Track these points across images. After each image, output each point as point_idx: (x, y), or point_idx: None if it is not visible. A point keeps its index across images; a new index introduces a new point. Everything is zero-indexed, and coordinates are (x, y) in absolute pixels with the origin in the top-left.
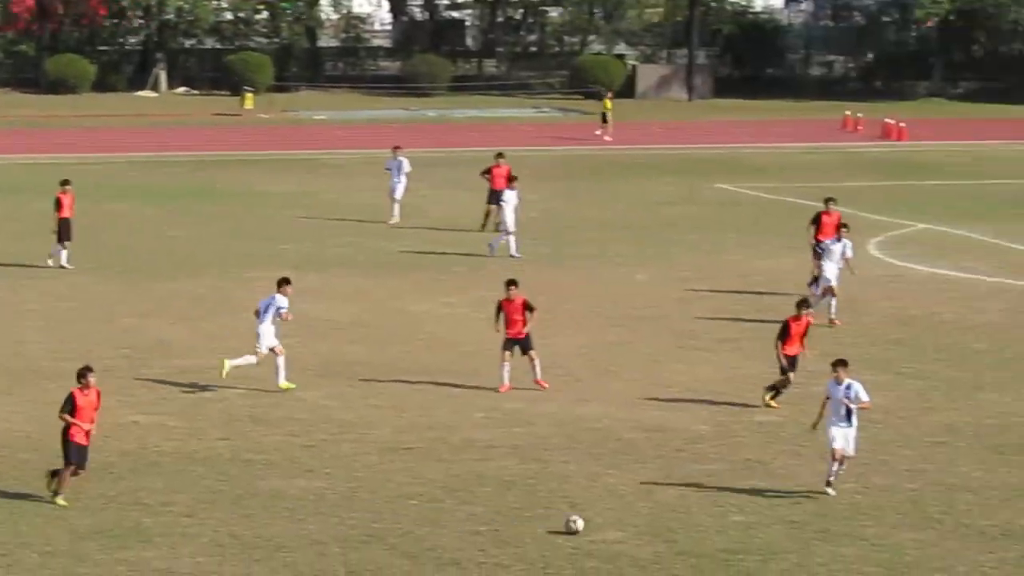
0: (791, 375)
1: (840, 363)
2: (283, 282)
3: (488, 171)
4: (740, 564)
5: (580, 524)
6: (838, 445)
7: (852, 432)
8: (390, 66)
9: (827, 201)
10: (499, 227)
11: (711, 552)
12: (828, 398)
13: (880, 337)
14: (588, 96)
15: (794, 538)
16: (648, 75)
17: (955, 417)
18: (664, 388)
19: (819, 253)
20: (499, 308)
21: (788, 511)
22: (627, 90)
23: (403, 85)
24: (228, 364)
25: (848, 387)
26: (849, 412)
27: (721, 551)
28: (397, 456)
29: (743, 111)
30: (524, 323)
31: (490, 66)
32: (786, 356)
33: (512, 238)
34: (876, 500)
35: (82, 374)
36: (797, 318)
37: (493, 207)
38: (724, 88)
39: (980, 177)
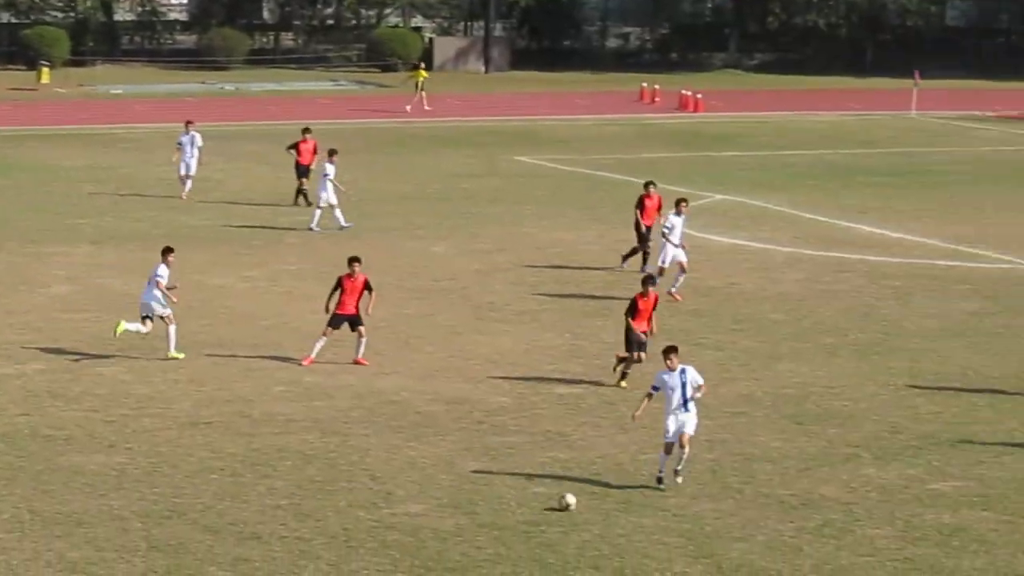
0: (641, 354)
1: (671, 350)
2: (166, 251)
3: (295, 146)
4: (542, 535)
5: (571, 501)
6: (672, 439)
7: (692, 418)
8: (187, 39)
9: (647, 185)
10: (318, 201)
11: (512, 524)
12: (657, 388)
13: (678, 308)
14: (385, 69)
15: (595, 509)
16: (445, 47)
17: (754, 387)
18: (464, 360)
19: (644, 237)
20: (338, 284)
21: (589, 483)
22: (424, 63)
23: (200, 59)
24: (123, 325)
25: (683, 372)
26: (687, 399)
27: (523, 523)
28: (197, 430)
29: (541, 83)
30: (359, 301)
31: (287, 39)
32: (641, 333)
33: (319, 212)
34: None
35: None
36: (644, 295)
37: (305, 180)
38: (521, 60)
39: (776, 148)
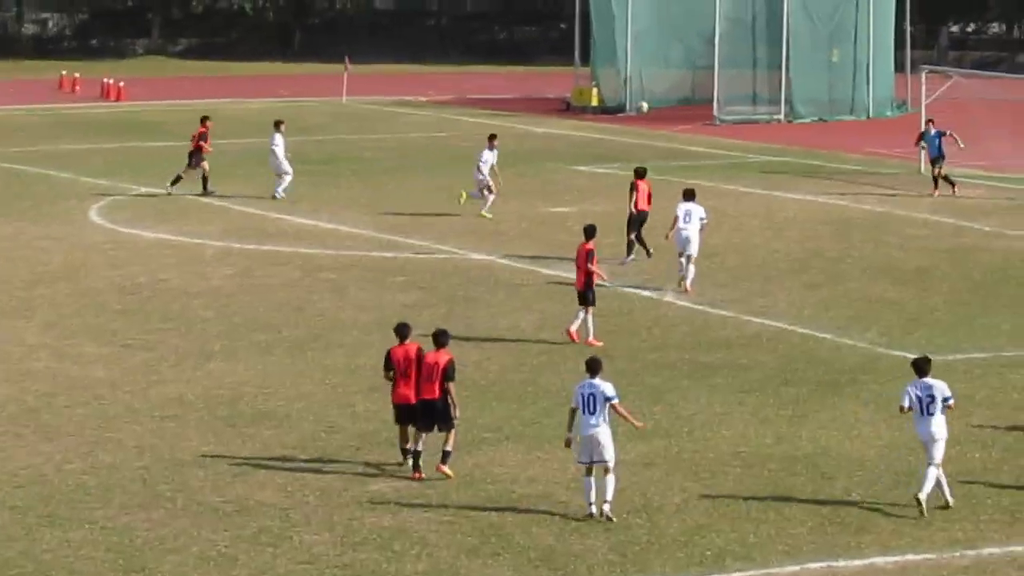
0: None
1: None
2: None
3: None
4: None
5: None
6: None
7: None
8: None
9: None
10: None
11: None
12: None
13: (105, 307)
14: None
15: (18, 524)
16: None
17: (185, 389)
18: None
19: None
20: None
21: (10, 495)
22: None
23: None
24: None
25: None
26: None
27: None
28: None
29: None
30: None
31: None
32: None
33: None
34: (104, 480)
35: None
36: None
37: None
38: None
39: None
